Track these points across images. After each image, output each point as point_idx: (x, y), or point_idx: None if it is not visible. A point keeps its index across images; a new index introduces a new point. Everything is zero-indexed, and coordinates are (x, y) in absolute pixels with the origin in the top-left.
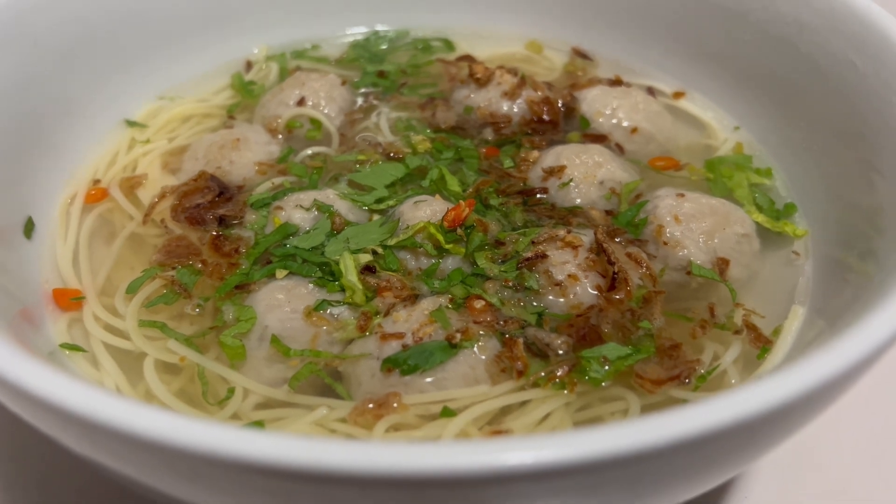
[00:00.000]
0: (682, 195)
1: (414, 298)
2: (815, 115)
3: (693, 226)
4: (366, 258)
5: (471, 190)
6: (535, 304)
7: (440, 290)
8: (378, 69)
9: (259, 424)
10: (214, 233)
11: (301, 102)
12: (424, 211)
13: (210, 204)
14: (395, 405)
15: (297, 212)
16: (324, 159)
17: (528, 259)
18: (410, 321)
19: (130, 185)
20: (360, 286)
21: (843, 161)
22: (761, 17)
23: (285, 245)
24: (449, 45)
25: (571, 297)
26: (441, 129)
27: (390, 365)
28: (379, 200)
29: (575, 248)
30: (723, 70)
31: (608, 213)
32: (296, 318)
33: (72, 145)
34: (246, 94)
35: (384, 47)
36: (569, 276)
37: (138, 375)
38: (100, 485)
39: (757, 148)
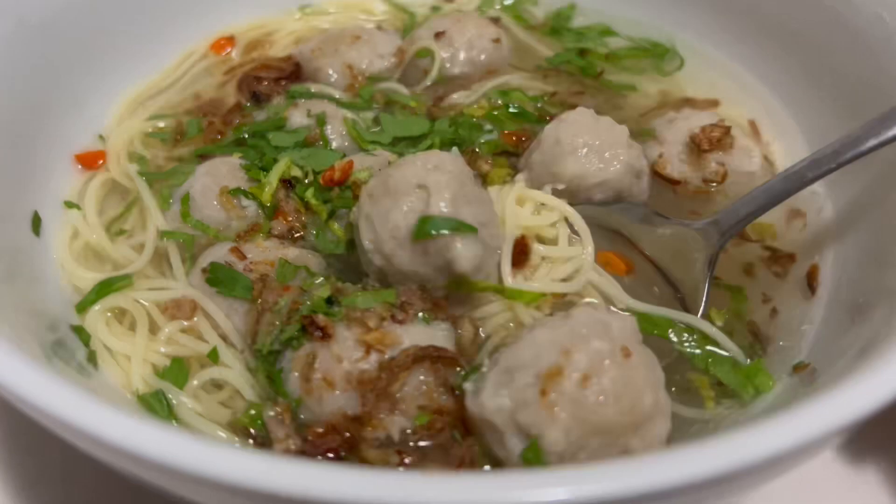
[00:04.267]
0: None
1: (296, 240)
2: (837, 71)
3: None
4: (296, 172)
5: None
6: None
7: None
8: (580, 46)
9: None
10: (238, 102)
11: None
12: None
13: (270, 81)
14: None
15: (301, 115)
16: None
17: None
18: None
19: (257, 43)
20: (273, 187)
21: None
22: None
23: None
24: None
25: None
26: None
27: None
28: (374, 143)
29: None
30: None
31: None
32: (213, 191)
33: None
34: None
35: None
36: None
37: None
38: (120, 478)
39: (774, 106)
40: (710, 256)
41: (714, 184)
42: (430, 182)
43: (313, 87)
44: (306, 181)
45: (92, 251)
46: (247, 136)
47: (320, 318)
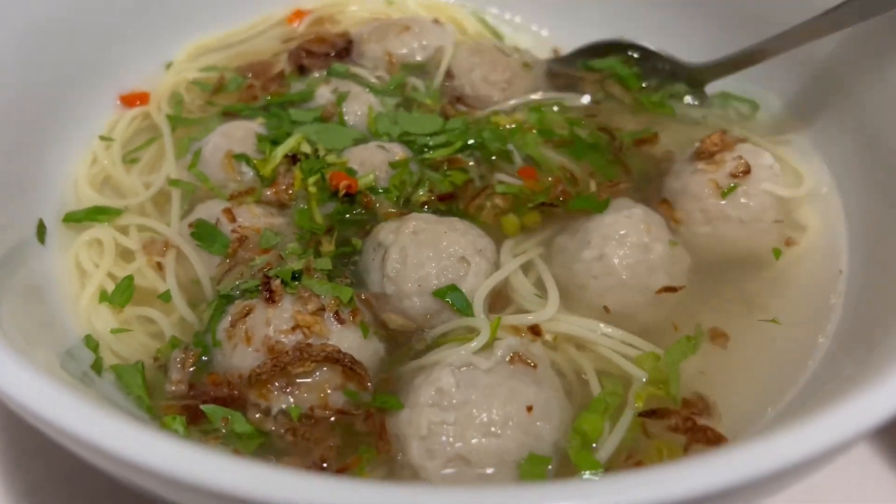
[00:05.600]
0: None
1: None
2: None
3: None
4: (305, 148)
5: None
6: None
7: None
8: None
9: None
10: (281, 70)
11: None
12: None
13: (319, 56)
14: None
15: (328, 91)
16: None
17: None
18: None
19: (326, 19)
20: (276, 162)
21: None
22: None
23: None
24: None
25: None
26: None
27: None
28: (385, 134)
29: None
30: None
31: None
32: (221, 151)
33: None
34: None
35: None
36: None
37: None
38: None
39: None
40: None
41: (741, 175)
42: (473, 262)
43: (353, 68)
44: (318, 156)
45: (106, 179)
46: (271, 104)
47: (275, 283)
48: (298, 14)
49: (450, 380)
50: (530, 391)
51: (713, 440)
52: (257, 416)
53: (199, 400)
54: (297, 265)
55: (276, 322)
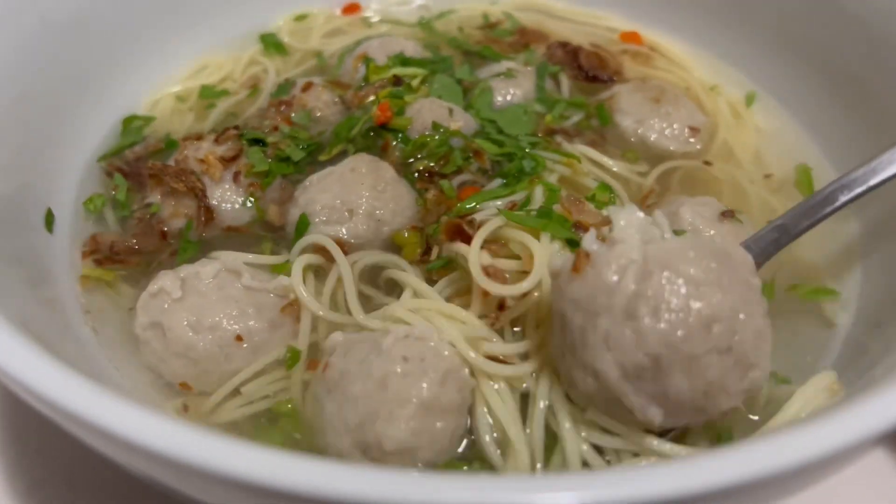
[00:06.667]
0: None
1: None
2: (859, 80)
3: None
4: (415, 81)
5: None
6: None
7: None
8: None
9: None
10: (520, 40)
11: None
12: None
13: (573, 63)
14: None
15: (506, 67)
16: None
17: None
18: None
19: (644, 57)
20: (384, 75)
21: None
22: None
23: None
24: None
25: None
26: None
27: None
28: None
29: None
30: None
31: None
32: (363, 51)
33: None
34: None
35: None
36: None
37: None
38: (126, 480)
39: (788, 122)
40: None
41: None
42: (354, 217)
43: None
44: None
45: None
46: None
47: (230, 132)
48: (633, 37)
49: (210, 270)
50: (259, 325)
51: None
52: (140, 197)
53: (128, 168)
54: (267, 138)
55: (202, 149)
